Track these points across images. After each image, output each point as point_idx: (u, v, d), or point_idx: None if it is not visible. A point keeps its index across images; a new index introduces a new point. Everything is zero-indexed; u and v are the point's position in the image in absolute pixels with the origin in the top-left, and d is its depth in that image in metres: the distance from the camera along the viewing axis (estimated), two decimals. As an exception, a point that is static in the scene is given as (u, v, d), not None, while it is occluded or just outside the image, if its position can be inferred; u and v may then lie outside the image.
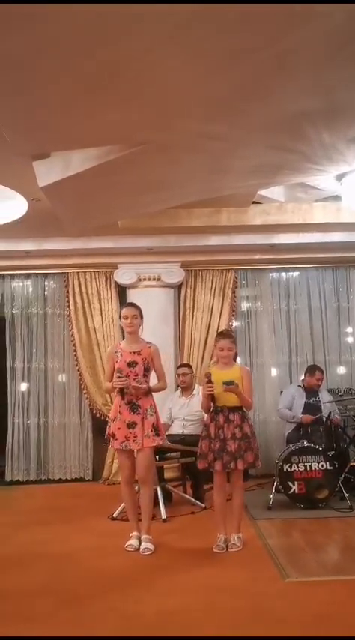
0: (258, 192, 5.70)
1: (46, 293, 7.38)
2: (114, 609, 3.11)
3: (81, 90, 3.12)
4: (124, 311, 4.39)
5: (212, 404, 4.19)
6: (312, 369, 6.29)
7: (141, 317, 4.39)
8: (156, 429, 4.25)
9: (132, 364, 4.26)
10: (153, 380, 4.40)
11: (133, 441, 4.18)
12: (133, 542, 4.22)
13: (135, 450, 4.23)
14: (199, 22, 2.51)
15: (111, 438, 4.27)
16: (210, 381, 4.13)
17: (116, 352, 4.34)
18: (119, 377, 4.16)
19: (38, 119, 3.51)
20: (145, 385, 4.27)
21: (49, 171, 4.24)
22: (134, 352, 4.30)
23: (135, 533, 4.28)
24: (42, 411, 7.19)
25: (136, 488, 4.54)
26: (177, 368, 6.43)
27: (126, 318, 4.33)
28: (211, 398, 4.15)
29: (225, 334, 4.44)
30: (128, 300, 6.85)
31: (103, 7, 2.35)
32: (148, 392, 4.28)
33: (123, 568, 3.83)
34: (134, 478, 4.34)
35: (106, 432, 4.38)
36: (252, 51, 2.76)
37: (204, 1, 2.32)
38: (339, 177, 5.11)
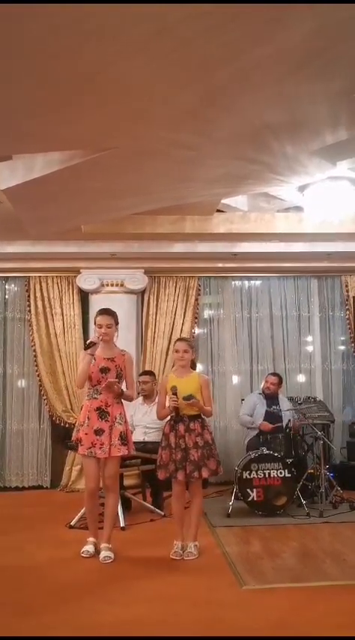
0: (222, 201, 5.75)
1: (6, 297, 7.26)
2: (69, 620, 3.05)
3: (48, 94, 3.08)
4: (99, 319, 4.21)
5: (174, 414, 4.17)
6: (267, 375, 6.47)
7: (117, 323, 4.26)
8: (124, 438, 4.15)
9: (104, 370, 4.18)
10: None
11: (100, 448, 4.08)
12: (89, 547, 4.17)
13: (102, 458, 4.14)
14: (169, 34, 2.52)
15: (78, 444, 4.18)
16: (175, 394, 4.10)
17: None
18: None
19: (4, 121, 3.45)
20: (120, 386, 4.18)
21: (11, 174, 4.18)
22: (107, 358, 4.21)
23: (91, 539, 4.22)
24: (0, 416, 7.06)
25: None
26: (139, 375, 6.39)
27: (100, 327, 4.17)
28: (175, 410, 4.13)
29: (182, 338, 4.76)
30: (92, 306, 6.79)
31: (76, 13, 2.34)
32: (120, 395, 4.20)
33: (80, 577, 3.78)
34: (99, 490, 4.26)
35: (73, 436, 4.28)
36: (219, 63, 2.80)
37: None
38: (301, 188, 5.21)
